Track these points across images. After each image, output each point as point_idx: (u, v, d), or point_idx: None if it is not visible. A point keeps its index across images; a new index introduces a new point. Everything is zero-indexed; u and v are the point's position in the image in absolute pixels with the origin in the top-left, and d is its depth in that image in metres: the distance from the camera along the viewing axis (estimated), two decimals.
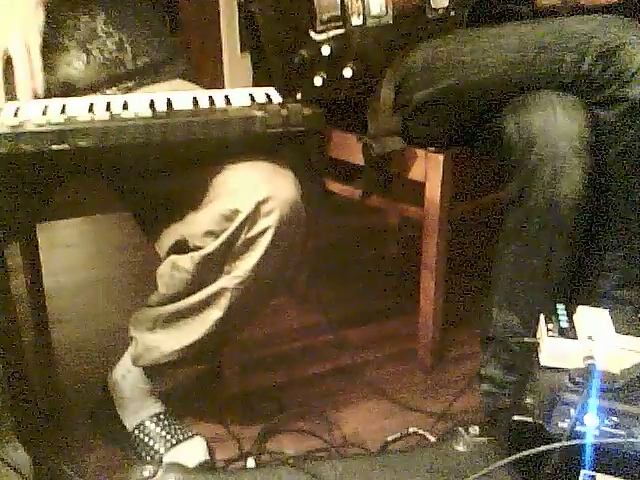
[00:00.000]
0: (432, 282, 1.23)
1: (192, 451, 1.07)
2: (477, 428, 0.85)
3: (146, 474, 0.83)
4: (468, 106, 1.08)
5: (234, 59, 2.20)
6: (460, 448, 0.83)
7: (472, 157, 1.19)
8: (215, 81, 2.15)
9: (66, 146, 0.78)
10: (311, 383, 1.29)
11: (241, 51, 2.18)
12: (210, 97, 0.90)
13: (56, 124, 0.79)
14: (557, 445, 0.76)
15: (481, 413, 1.11)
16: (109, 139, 0.79)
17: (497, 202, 1.26)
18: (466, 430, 0.85)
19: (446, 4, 1.09)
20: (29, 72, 0.86)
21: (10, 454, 0.93)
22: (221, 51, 2.17)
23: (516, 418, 0.82)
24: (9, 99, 0.86)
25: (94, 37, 0.98)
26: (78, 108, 0.84)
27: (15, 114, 0.81)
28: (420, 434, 1.10)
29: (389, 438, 1.10)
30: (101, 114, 0.82)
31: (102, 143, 0.79)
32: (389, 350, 1.39)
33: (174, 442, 1.07)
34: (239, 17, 2.10)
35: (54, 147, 0.78)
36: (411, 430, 1.10)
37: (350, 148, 1.22)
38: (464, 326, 1.44)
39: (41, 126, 0.78)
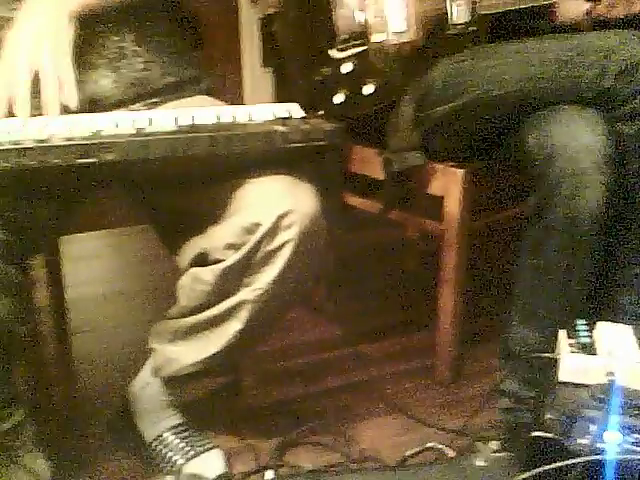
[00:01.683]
0: (451, 297, 1.23)
1: (210, 463, 1.07)
2: (496, 443, 0.85)
3: None
4: (488, 121, 1.08)
5: (254, 75, 2.22)
6: (479, 463, 0.83)
7: (491, 172, 1.20)
8: (235, 97, 2.17)
9: (92, 160, 0.80)
10: (328, 397, 1.29)
11: (261, 67, 2.21)
12: (233, 112, 0.92)
13: (82, 138, 0.80)
14: (577, 461, 0.75)
15: (500, 429, 1.10)
16: (134, 153, 0.81)
17: (516, 217, 1.27)
18: (485, 445, 0.84)
19: (466, 20, 1.10)
20: (57, 86, 0.87)
21: (30, 463, 0.94)
22: (241, 67, 2.20)
23: (535, 434, 0.82)
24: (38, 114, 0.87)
25: (122, 56, 0.99)
26: (104, 123, 0.86)
27: (40, 128, 0.83)
28: (438, 449, 1.10)
29: (407, 453, 1.09)
30: (126, 129, 0.83)
31: (127, 157, 0.80)
32: (407, 365, 1.38)
33: (193, 454, 1.07)
34: (260, 33, 2.12)
35: (80, 161, 0.79)
36: (429, 445, 1.10)
37: (370, 163, 1.23)
38: (482, 341, 1.43)
39: (68, 140, 0.80)
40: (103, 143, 0.80)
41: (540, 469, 0.76)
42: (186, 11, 1.13)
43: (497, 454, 0.84)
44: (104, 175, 0.84)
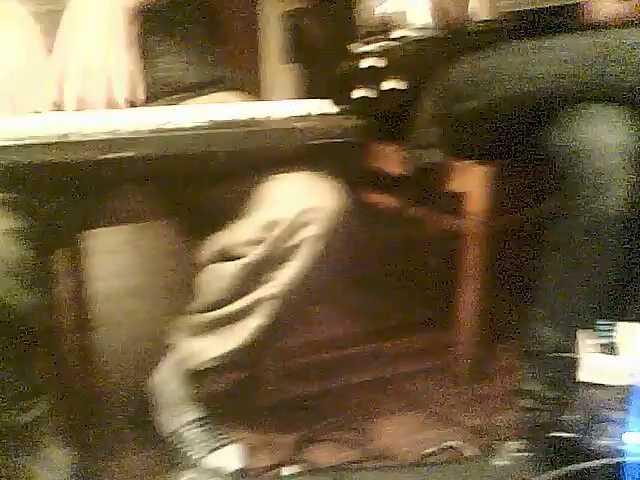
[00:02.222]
0: (471, 295, 1.22)
1: (229, 457, 1.08)
2: (517, 443, 0.84)
3: (190, 477, 0.84)
4: (511, 118, 1.07)
5: (274, 71, 2.22)
6: (499, 463, 0.83)
7: (514, 170, 1.19)
8: (254, 93, 2.17)
9: (116, 155, 0.81)
10: (347, 393, 1.29)
11: (281, 63, 2.21)
12: (257, 108, 0.92)
13: (106, 133, 0.81)
14: (599, 462, 0.75)
15: (520, 428, 1.10)
16: (157, 149, 0.82)
17: (539, 215, 1.25)
18: (505, 445, 0.84)
19: (490, 17, 1.09)
20: (108, 81, 0.89)
21: (52, 455, 0.95)
22: (260, 62, 2.20)
23: (556, 434, 0.81)
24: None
25: (156, 57, 1.00)
26: (128, 118, 0.87)
27: (65, 124, 0.84)
28: (458, 448, 1.09)
29: (426, 451, 1.09)
30: (150, 125, 0.84)
31: (151, 153, 0.81)
32: (426, 362, 1.38)
33: (212, 448, 1.08)
34: (281, 29, 2.12)
35: (104, 156, 0.80)
36: (449, 443, 1.09)
37: (390, 159, 1.22)
38: (504, 340, 1.42)
39: (91, 136, 0.81)
40: (127, 139, 0.81)
41: (560, 471, 0.75)
42: (210, 9, 1.14)
43: (518, 454, 0.84)
44: (125, 171, 0.84)
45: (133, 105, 0.91)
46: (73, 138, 0.80)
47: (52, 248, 0.94)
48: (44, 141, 0.79)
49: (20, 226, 0.81)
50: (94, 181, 0.90)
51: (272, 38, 2.18)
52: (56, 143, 0.79)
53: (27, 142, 0.79)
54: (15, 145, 0.78)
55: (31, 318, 0.85)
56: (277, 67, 2.21)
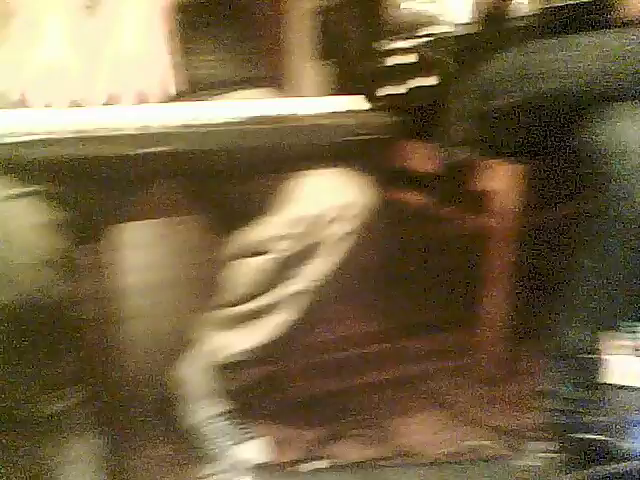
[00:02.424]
0: (498, 294, 1.22)
1: (253, 452, 1.09)
2: (543, 444, 0.84)
3: (211, 471, 0.85)
4: (547, 116, 1.06)
5: (302, 68, 2.23)
6: (525, 463, 0.82)
7: (544, 168, 1.17)
8: (283, 90, 2.18)
9: (146, 150, 0.81)
10: (371, 391, 1.29)
11: (310, 60, 2.21)
12: (288, 105, 0.92)
13: (137, 128, 0.82)
14: (626, 465, 0.74)
15: (544, 430, 1.09)
16: (193, 144, 0.82)
17: (568, 215, 1.25)
18: (531, 445, 0.84)
19: (528, 13, 1.08)
20: (159, 76, 0.91)
21: (84, 444, 0.97)
22: (289, 59, 2.20)
23: (582, 436, 0.81)
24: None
25: (190, 55, 1.00)
26: (158, 113, 0.88)
27: (99, 118, 0.85)
28: (484, 447, 1.09)
29: (451, 450, 1.09)
30: (186, 120, 0.85)
31: (187, 148, 0.82)
32: (450, 362, 1.38)
33: (237, 441, 1.09)
34: (309, 26, 2.13)
35: (135, 151, 0.81)
36: (473, 443, 1.09)
37: (420, 157, 1.22)
38: (530, 340, 1.41)
39: (123, 130, 0.82)
40: (160, 134, 0.82)
41: (588, 472, 0.75)
42: (240, 5, 1.15)
43: (544, 454, 0.83)
44: (160, 165, 0.85)
45: (166, 100, 0.92)
46: (107, 132, 0.81)
47: (85, 240, 0.95)
48: (79, 135, 0.80)
49: (56, 218, 0.83)
50: (127, 175, 0.91)
51: (301, 35, 2.19)
52: (90, 137, 0.80)
53: (63, 136, 0.80)
54: (51, 138, 0.79)
55: (64, 309, 0.86)
56: (306, 64, 2.21)
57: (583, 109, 1.00)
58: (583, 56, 1.00)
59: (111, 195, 0.96)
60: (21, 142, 0.79)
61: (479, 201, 1.24)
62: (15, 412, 0.90)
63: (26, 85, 0.89)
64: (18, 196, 0.80)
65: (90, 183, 0.88)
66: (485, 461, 0.96)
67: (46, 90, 0.88)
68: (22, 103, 0.89)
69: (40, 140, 0.79)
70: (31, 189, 0.81)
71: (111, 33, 0.91)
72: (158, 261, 1.94)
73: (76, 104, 0.88)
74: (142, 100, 0.90)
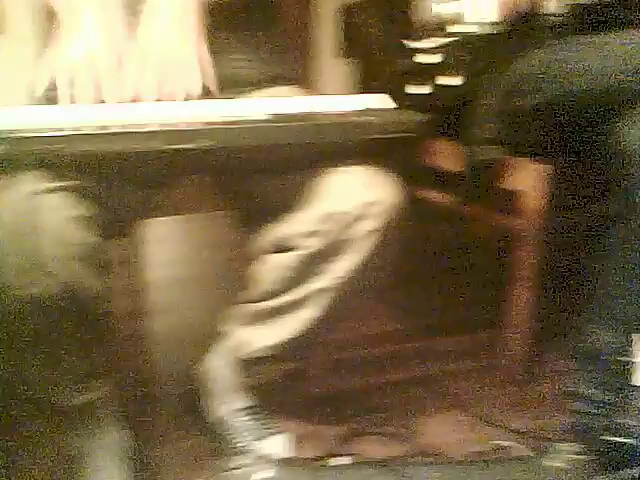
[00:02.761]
0: (525, 295, 1.20)
1: (276, 447, 1.10)
2: (570, 445, 0.83)
3: (241, 463, 0.85)
4: (577, 115, 1.05)
5: (329, 66, 2.23)
6: (553, 464, 0.82)
7: (573, 168, 1.16)
8: (309, 88, 2.18)
9: (176, 147, 0.82)
10: (394, 389, 1.29)
11: (336, 58, 2.21)
12: (317, 102, 0.93)
13: (175, 125, 0.83)
14: None
15: (571, 432, 1.08)
16: (224, 140, 0.83)
17: (597, 215, 1.23)
18: (558, 446, 0.83)
19: (558, 11, 1.07)
20: (194, 73, 0.92)
21: (112, 434, 0.98)
22: (316, 58, 2.20)
23: (610, 438, 0.80)
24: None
25: (219, 54, 1.01)
26: (195, 110, 0.89)
27: (133, 114, 0.86)
28: (509, 448, 1.08)
29: (475, 450, 1.08)
30: (217, 116, 0.86)
31: (218, 144, 0.83)
32: (475, 362, 1.37)
33: (260, 436, 1.09)
34: (336, 24, 2.13)
35: (172, 147, 0.82)
36: (500, 443, 1.08)
37: (446, 155, 1.22)
38: (556, 341, 1.40)
39: (154, 127, 0.83)
40: (192, 130, 0.82)
41: (616, 475, 0.74)
42: (268, 4, 1.15)
43: (571, 456, 0.83)
44: (190, 161, 0.86)
45: (195, 98, 0.93)
46: (136, 129, 0.82)
47: (114, 235, 0.97)
48: (108, 131, 0.81)
49: (87, 212, 0.84)
50: (156, 171, 0.92)
51: (327, 33, 2.19)
52: (120, 133, 0.81)
53: (93, 131, 0.81)
54: (81, 134, 0.81)
55: (93, 302, 0.87)
56: (332, 62, 2.21)
57: (611, 109, 0.99)
58: (611, 55, 0.99)
59: (140, 191, 0.96)
60: (52, 137, 0.80)
61: (506, 201, 1.23)
62: (45, 402, 0.92)
63: (58, 81, 0.90)
64: (49, 191, 0.81)
65: (119, 179, 0.90)
66: (509, 462, 0.95)
67: (77, 86, 0.89)
68: (54, 98, 0.91)
69: (70, 136, 0.81)
70: (62, 184, 0.82)
71: (146, 31, 0.93)
72: (185, 256, 1.96)
73: (107, 100, 0.90)
74: (174, 98, 0.92)
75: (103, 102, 0.90)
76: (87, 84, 0.89)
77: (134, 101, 0.91)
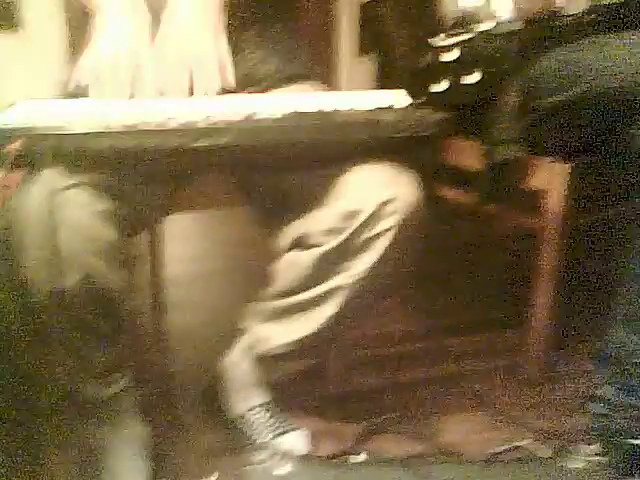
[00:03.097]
0: (546, 296, 1.20)
1: (295, 443, 1.10)
2: (594, 447, 0.82)
3: (261, 458, 0.86)
4: (599, 114, 1.04)
5: (351, 62, 2.23)
6: (575, 465, 0.81)
7: (596, 168, 1.15)
8: (330, 84, 2.18)
9: (201, 143, 0.83)
10: (412, 388, 1.29)
11: (358, 55, 2.21)
12: (339, 99, 0.92)
13: (195, 122, 0.83)
14: None
15: (590, 433, 1.07)
16: (244, 138, 0.83)
17: (620, 215, 1.22)
18: (581, 448, 0.82)
19: (581, 9, 1.06)
20: (217, 69, 0.93)
21: (132, 427, 0.99)
22: (337, 54, 2.21)
23: (631, 441, 0.79)
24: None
25: (239, 51, 1.01)
26: (215, 107, 0.89)
27: (154, 111, 0.87)
28: (530, 448, 1.07)
29: (497, 449, 1.07)
30: (237, 114, 0.86)
31: (237, 141, 0.83)
32: (494, 362, 1.36)
33: (278, 432, 1.10)
34: (358, 21, 2.13)
35: (190, 144, 0.82)
36: (521, 443, 1.07)
37: (467, 154, 1.21)
38: (577, 342, 1.39)
39: (182, 123, 0.83)
40: (215, 127, 0.83)
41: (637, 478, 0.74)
42: (289, 1, 1.15)
43: (592, 457, 0.82)
44: (212, 158, 0.86)
45: (221, 94, 0.93)
46: (159, 126, 0.83)
47: (136, 231, 0.97)
48: (134, 128, 0.82)
49: (109, 208, 0.85)
50: (178, 168, 0.93)
51: (349, 30, 2.19)
52: (145, 130, 0.82)
53: (118, 128, 0.82)
54: (106, 131, 0.81)
55: (116, 297, 0.88)
56: (353, 59, 2.21)
57: (632, 108, 0.98)
58: (633, 54, 0.98)
59: (162, 187, 0.97)
60: (78, 134, 0.81)
61: (526, 200, 1.22)
62: (70, 395, 0.93)
63: (85, 77, 0.91)
64: (72, 186, 0.82)
65: (142, 175, 0.90)
66: (529, 462, 0.94)
67: (104, 83, 0.90)
68: (80, 94, 0.92)
69: (96, 133, 0.81)
70: (85, 180, 0.83)
71: (167, 29, 0.93)
72: (206, 252, 1.97)
73: (136, 96, 0.90)
74: (196, 95, 0.92)
75: (130, 98, 0.90)
76: (118, 81, 0.90)
77: (157, 97, 0.91)
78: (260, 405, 1.12)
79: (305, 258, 0.95)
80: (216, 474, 1.03)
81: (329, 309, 0.97)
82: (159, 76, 0.92)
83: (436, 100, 1.09)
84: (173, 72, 0.92)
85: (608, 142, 1.07)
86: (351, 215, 0.90)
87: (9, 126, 0.81)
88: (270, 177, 0.99)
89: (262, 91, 1.04)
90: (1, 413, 0.94)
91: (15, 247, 0.80)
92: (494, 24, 1.07)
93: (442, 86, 1.09)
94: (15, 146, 0.79)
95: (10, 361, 0.96)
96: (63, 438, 0.89)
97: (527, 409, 1.22)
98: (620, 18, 1.10)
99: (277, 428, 1.10)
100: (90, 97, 0.91)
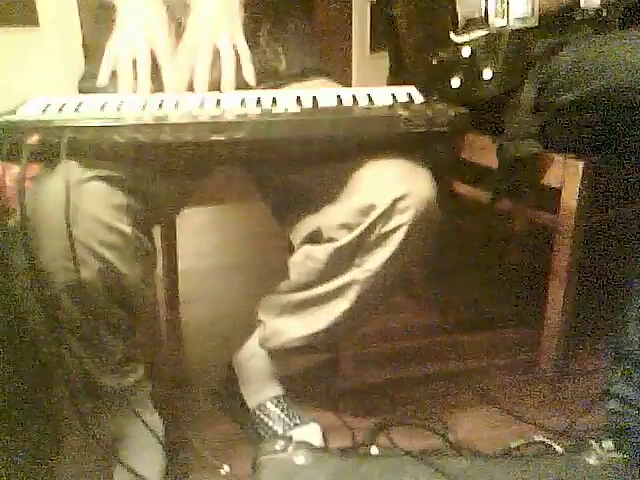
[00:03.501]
0: (561, 292, 1.19)
1: (308, 436, 1.10)
2: (606, 443, 0.82)
3: (277, 448, 0.87)
4: (615, 110, 1.03)
5: (363, 59, 2.23)
6: (591, 461, 0.81)
7: (612, 165, 1.14)
8: (346, 80, 2.18)
9: (220, 137, 0.83)
10: (424, 383, 1.29)
11: (370, 51, 2.21)
12: (353, 95, 0.93)
13: (212, 116, 0.84)
14: None
15: (605, 430, 1.07)
16: (260, 132, 0.84)
17: (636, 213, 1.21)
18: (599, 444, 0.82)
19: (597, 5, 1.06)
20: (234, 65, 0.93)
21: (147, 418, 1.00)
22: (353, 50, 2.20)
23: None
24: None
25: (255, 46, 1.02)
26: (231, 101, 0.89)
27: (170, 105, 0.87)
28: (546, 444, 1.07)
29: (512, 445, 1.07)
30: (253, 109, 0.86)
31: (254, 136, 0.83)
32: (506, 359, 1.36)
33: (292, 425, 1.11)
34: (374, 17, 2.12)
35: (210, 138, 0.83)
36: (536, 439, 1.07)
37: (482, 150, 1.20)
38: (591, 339, 1.38)
39: (197, 118, 0.84)
40: (231, 122, 0.83)
41: None
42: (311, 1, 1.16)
43: (606, 454, 0.82)
44: (228, 153, 0.87)
45: (239, 89, 0.94)
46: (179, 120, 0.83)
47: (152, 225, 0.98)
48: (150, 122, 0.83)
49: (125, 201, 0.85)
50: (195, 162, 0.93)
51: (365, 26, 2.18)
52: (161, 124, 0.83)
53: (134, 122, 0.82)
54: (122, 125, 0.82)
55: (139, 288, 0.89)
56: (369, 55, 2.21)
57: None
58: None
59: (178, 181, 0.98)
60: (94, 127, 0.82)
61: (542, 197, 1.22)
62: (83, 384, 0.94)
63: (104, 72, 0.92)
64: (89, 179, 0.82)
65: (157, 169, 0.91)
66: (543, 458, 0.94)
67: (122, 77, 0.91)
68: (98, 89, 0.93)
69: (112, 127, 0.82)
70: (102, 173, 0.83)
71: (190, 24, 0.94)
72: (221, 246, 1.97)
73: (151, 91, 0.91)
74: (216, 89, 0.92)
75: (149, 92, 0.91)
76: (136, 75, 0.91)
77: (175, 92, 0.92)
78: (274, 398, 1.13)
79: (320, 253, 0.96)
80: (229, 465, 1.03)
81: (344, 303, 0.97)
82: (177, 71, 0.92)
83: (452, 96, 1.09)
84: (191, 67, 0.92)
85: (624, 139, 1.06)
86: (366, 210, 0.90)
87: (27, 120, 0.82)
88: (285, 172, 0.99)
89: (278, 86, 1.04)
90: (19, 404, 0.95)
91: (32, 239, 0.81)
92: (510, 20, 1.07)
93: (457, 82, 1.09)
94: (33, 140, 0.80)
95: (28, 351, 0.97)
96: (81, 428, 0.89)
97: (542, 405, 1.22)
98: (636, 14, 1.09)
99: (290, 421, 1.11)
100: (108, 92, 0.91)
